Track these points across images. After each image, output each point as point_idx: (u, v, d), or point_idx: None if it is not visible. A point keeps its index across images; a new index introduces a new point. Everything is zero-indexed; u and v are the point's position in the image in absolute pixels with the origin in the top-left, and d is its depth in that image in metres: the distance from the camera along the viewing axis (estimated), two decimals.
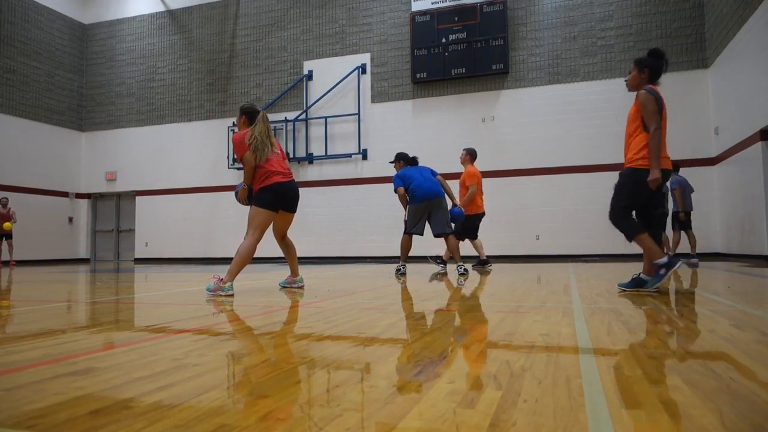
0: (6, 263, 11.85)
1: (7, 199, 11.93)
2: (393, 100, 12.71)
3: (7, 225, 11.59)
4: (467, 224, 7.40)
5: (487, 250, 12.01)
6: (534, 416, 1.12)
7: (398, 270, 6.59)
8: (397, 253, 6.85)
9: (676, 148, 10.80)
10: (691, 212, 8.84)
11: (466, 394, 1.29)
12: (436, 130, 12.27)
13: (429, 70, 12.25)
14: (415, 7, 12.55)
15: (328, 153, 13.09)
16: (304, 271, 8.31)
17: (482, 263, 7.56)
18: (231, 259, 4.20)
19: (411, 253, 6.72)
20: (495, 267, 8.47)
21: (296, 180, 14.76)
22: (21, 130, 13.70)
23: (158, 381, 1.47)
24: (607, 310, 2.87)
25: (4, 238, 11.81)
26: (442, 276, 6.21)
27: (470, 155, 7.81)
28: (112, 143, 15.28)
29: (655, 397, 1.25)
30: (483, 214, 7.72)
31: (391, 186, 12.62)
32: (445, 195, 6.56)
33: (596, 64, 11.43)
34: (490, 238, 11.86)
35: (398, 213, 12.64)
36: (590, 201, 11.07)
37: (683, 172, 10.04)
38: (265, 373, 1.57)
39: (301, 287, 4.65)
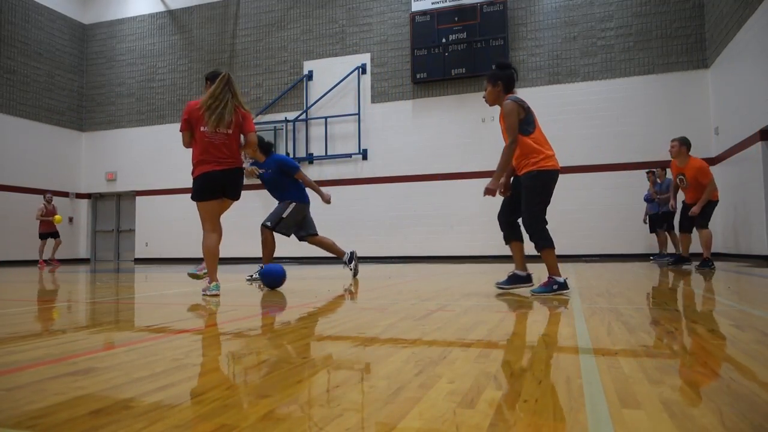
0: (48, 261, 12.05)
1: (51, 196, 12.12)
2: (393, 100, 12.71)
3: (58, 218, 11.75)
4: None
5: (487, 250, 12.06)
6: (534, 416, 1.12)
7: (254, 277, 5.57)
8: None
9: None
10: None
11: (466, 394, 1.29)
12: (436, 130, 12.27)
13: (429, 70, 12.25)
14: (415, 7, 12.55)
15: (328, 153, 13.09)
16: (304, 271, 8.32)
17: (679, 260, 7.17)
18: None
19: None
20: (494, 267, 8.47)
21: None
22: (21, 130, 13.70)
23: (158, 381, 1.47)
24: (607, 310, 2.87)
25: (50, 237, 11.92)
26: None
27: (687, 146, 7.15)
28: (112, 143, 15.28)
29: (655, 397, 1.25)
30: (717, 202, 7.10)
31: (391, 186, 12.73)
32: None
33: (596, 64, 11.43)
34: (490, 238, 11.87)
35: (398, 213, 12.68)
36: (590, 201, 11.08)
37: None
38: (265, 373, 1.57)
39: (198, 277, 4.49)
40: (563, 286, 3.70)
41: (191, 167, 4.11)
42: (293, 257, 13.09)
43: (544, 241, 3.76)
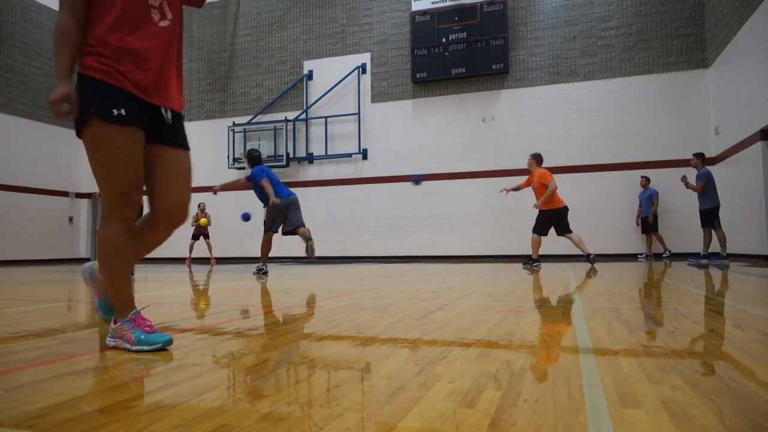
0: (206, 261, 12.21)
1: (204, 204, 12.27)
2: (393, 99, 12.71)
3: (203, 221, 11.86)
4: (550, 221, 7.61)
5: (488, 250, 12.06)
6: (534, 416, 1.12)
7: (260, 270, 7.02)
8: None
9: (676, 147, 10.83)
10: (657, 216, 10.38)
11: (466, 394, 1.29)
12: (436, 130, 12.27)
13: (429, 69, 12.25)
14: (415, 6, 12.55)
15: (328, 153, 13.09)
16: (304, 270, 8.32)
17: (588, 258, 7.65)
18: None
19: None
20: (495, 267, 8.47)
21: (296, 180, 14.84)
22: (21, 130, 13.70)
23: (158, 381, 1.47)
24: (607, 310, 2.87)
25: (201, 237, 12.11)
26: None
27: (536, 159, 7.97)
28: None
29: (655, 397, 1.25)
30: (566, 208, 7.72)
31: (391, 186, 12.72)
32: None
33: (596, 64, 11.43)
34: (490, 238, 11.87)
35: (398, 213, 12.67)
36: (590, 201, 11.07)
37: (682, 172, 10.06)
38: (265, 373, 1.57)
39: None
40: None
41: None
42: (293, 257, 13.09)
43: None
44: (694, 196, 9.34)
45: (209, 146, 14.24)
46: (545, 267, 7.63)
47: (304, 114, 13.37)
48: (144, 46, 1.91)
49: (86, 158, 1.95)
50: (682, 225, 10.59)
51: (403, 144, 12.48)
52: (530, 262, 7.61)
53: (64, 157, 14.88)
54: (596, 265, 7.85)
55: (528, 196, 11.47)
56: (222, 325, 2.66)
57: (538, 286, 4.61)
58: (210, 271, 8.38)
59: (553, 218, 7.64)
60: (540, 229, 7.68)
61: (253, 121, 13.71)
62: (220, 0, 14.45)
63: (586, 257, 7.66)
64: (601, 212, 11.11)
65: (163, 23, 1.96)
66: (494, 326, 2.36)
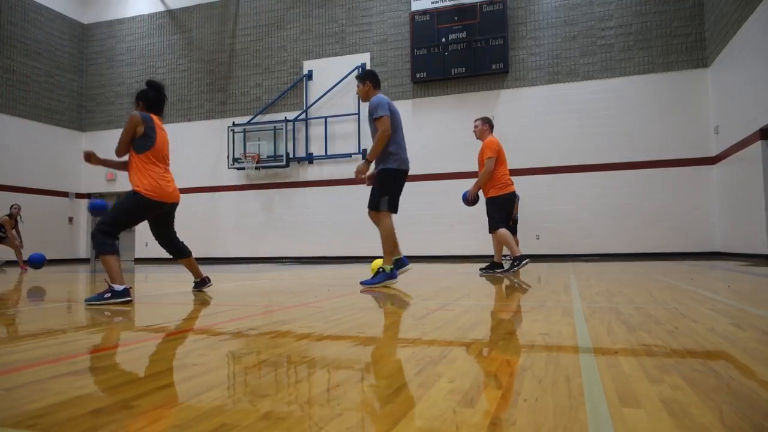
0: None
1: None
2: (393, 99, 12.69)
3: None
4: (503, 209, 6.17)
5: (488, 250, 12.02)
6: (534, 415, 1.12)
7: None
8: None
9: (675, 147, 10.83)
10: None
11: (466, 394, 1.29)
12: (436, 130, 12.27)
13: (429, 69, 12.25)
14: (415, 6, 12.54)
15: (328, 153, 13.08)
16: (304, 270, 8.32)
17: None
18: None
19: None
20: None
21: (296, 180, 14.73)
22: (21, 130, 13.70)
23: (158, 381, 1.47)
24: (607, 310, 2.87)
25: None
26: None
27: (488, 124, 6.30)
28: (112, 143, 15.18)
29: (655, 396, 1.25)
30: (515, 194, 6.35)
31: None
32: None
33: (596, 63, 11.43)
34: (491, 238, 11.87)
35: (398, 213, 12.63)
36: (590, 200, 11.07)
37: (682, 171, 10.08)
38: (265, 373, 1.57)
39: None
40: (121, 294, 3.57)
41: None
42: (293, 257, 13.10)
43: (103, 247, 3.72)
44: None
45: (209, 146, 14.24)
46: (546, 267, 7.62)
47: (304, 114, 13.37)
48: None
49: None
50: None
51: None
52: (516, 263, 6.14)
53: (64, 157, 14.89)
54: (595, 265, 7.83)
55: (527, 195, 11.49)
56: (221, 325, 2.65)
57: (537, 286, 4.61)
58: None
59: (504, 205, 6.25)
60: (497, 222, 6.22)
61: (252, 121, 13.71)
62: (220, 0, 14.45)
63: (513, 260, 6.18)
64: (600, 212, 11.11)
65: None
66: (494, 326, 2.36)
